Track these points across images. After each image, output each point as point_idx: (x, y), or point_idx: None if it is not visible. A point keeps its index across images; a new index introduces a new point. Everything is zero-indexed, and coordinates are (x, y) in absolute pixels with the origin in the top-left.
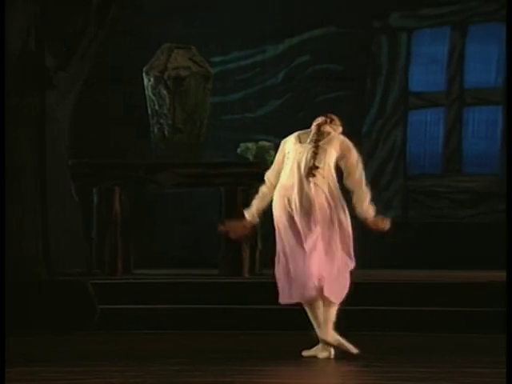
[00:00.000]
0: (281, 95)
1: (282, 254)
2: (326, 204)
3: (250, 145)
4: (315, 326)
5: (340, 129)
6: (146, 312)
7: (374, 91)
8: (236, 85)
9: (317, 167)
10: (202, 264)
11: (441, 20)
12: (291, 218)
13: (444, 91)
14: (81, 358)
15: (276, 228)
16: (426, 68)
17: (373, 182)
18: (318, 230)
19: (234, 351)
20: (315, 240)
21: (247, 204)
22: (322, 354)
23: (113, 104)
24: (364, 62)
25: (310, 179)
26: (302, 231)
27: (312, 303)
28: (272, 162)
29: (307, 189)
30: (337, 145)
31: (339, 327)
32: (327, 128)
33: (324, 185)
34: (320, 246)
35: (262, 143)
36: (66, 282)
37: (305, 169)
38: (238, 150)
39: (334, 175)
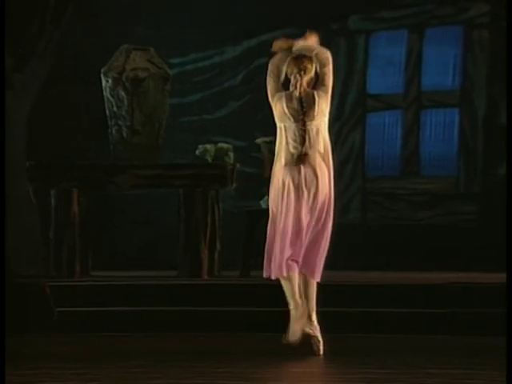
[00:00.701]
0: (239, 97)
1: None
2: None
3: (208, 146)
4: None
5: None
6: (104, 314)
7: (332, 93)
8: (194, 86)
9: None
10: (160, 266)
11: (398, 23)
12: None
13: (402, 94)
14: (38, 361)
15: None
16: (383, 70)
17: None
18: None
19: (193, 353)
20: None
21: (206, 205)
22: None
23: (71, 105)
24: None
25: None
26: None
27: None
28: (231, 164)
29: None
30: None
31: None
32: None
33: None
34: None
35: (220, 145)
36: (24, 284)
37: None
38: (197, 152)
39: None
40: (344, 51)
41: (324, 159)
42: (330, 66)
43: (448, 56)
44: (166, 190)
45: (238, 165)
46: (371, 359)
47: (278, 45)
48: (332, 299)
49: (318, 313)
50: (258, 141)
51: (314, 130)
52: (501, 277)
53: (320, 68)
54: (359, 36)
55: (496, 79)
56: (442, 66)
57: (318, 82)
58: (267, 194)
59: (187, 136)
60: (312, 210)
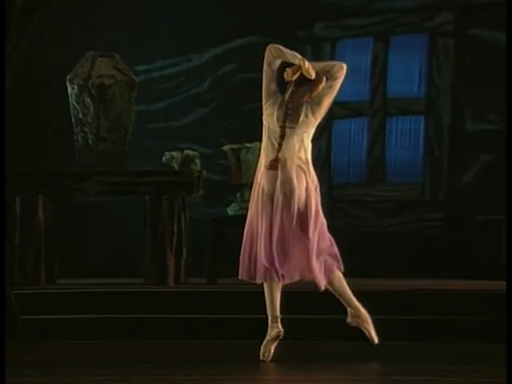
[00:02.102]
0: (206, 104)
1: None
2: None
3: (175, 153)
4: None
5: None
6: (69, 322)
7: None
8: (161, 93)
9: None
10: (127, 273)
11: (364, 30)
12: None
13: (367, 101)
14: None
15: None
16: (349, 78)
17: None
18: None
19: (159, 361)
20: None
21: (172, 212)
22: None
23: (36, 112)
24: None
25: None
26: None
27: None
28: (198, 171)
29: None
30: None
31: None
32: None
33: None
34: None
35: (187, 152)
36: None
37: None
38: (163, 159)
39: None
40: (310, 59)
41: (302, 167)
42: (338, 81)
43: (413, 64)
44: (133, 196)
45: (204, 172)
46: (339, 366)
47: (289, 75)
48: (296, 306)
49: (282, 320)
50: (225, 148)
51: (295, 137)
52: (467, 283)
53: (327, 81)
54: (325, 43)
55: (461, 87)
56: (407, 73)
57: (319, 93)
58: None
59: (154, 143)
60: (289, 216)
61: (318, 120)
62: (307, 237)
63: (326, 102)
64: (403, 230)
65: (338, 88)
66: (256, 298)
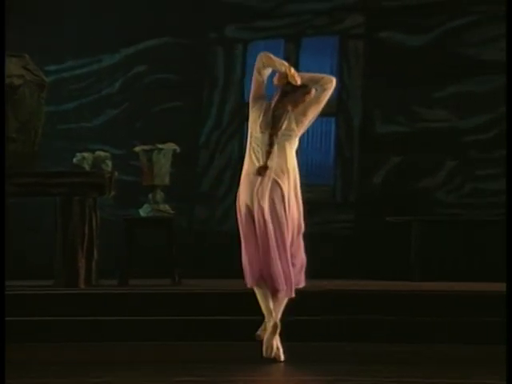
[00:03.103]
0: (117, 105)
1: None
2: None
3: (86, 155)
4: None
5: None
6: None
7: (211, 102)
8: (71, 94)
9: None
10: (37, 275)
11: (275, 32)
12: None
13: None
14: None
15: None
16: None
17: (210, 192)
18: None
19: (75, 362)
20: None
21: (83, 214)
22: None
23: None
24: (200, 73)
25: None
26: None
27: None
28: (109, 172)
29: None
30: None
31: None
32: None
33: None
34: None
35: (98, 153)
36: None
37: None
38: (74, 160)
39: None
40: (222, 60)
41: (281, 175)
42: (325, 94)
43: (324, 66)
44: (43, 198)
45: (116, 173)
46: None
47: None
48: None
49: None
50: (137, 149)
51: (281, 144)
52: (378, 284)
53: (317, 92)
54: (237, 45)
55: (371, 89)
56: None
57: (305, 104)
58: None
59: (65, 144)
60: (268, 222)
61: (302, 131)
62: (283, 243)
63: (311, 114)
64: (314, 232)
65: (324, 101)
66: (167, 299)
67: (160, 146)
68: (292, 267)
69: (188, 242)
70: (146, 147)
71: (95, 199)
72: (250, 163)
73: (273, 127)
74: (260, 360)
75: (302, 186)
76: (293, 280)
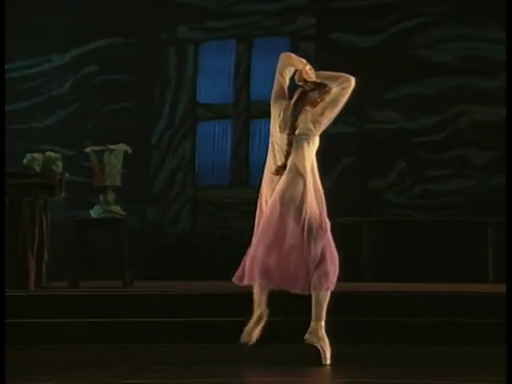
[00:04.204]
0: (68, 105)
1: None
2: None
3: (36, 155)
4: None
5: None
6: None
7: (163, 102)
8: (21, 94)
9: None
10: None
11: (226, 33)
12: None
13: (231, 103)
14: None
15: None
16: (213, 80)
17: (162, 193)
18: None
19: (23, 365)
20: None
21: (33, 215)
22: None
23: None
24: (152, 73)
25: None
26: None
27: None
28: (60, 173)
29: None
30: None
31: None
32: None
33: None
34: None
35: (48, 154)
36: None
37: None
38: (25, 161)
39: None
40: (174, 60)
41: (298, 175)
42: (344, 93)
43: (276, 66)
44: None
45: (66, 174)
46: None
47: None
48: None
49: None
50: (88, 150)
51: (294, 145)
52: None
53: (335, 92)
54: (189, 45)
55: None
56: (270, 76)
57: (323, 104)
58: None
59: (14, 144)
60: (296, 222)
61: (319, 131)
62: (298, 241)
63: (329, 114)
64: None
65: (343, 101)
66: (118, 301)
67: (111, 146)
68: (314, 264)
69: (140, 243)
70: (97, 148)
71: (46, 200)
72: (270, 161)
73: (291, 127)
74: (210, 361)
75: (255, 187)
76: (312, 277)
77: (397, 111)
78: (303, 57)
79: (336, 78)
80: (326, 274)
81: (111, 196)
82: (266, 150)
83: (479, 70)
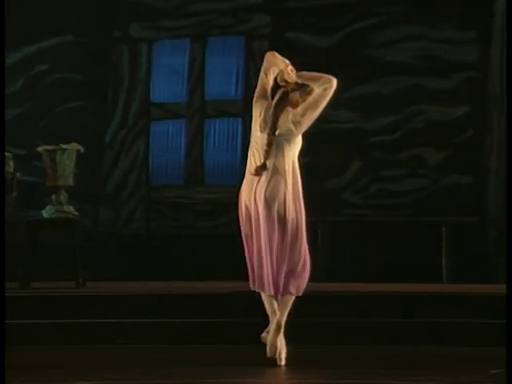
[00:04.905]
0: (19, 104)
1: None
2: None
3: None
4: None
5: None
6: None
7: (116, 101)
8: None
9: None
10: None
11: (180, 32)
12: None
13: (185, 103)
14: None
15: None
16: (167, 79)
17: (115, 193)
18: None
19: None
20: None
21: None
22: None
23: None
24: (105, 72)
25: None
26: None
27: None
28: (11, 173)
29: None
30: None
31: None
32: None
33: None
34: None
35: None
36: None
37: None
38: None
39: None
40: (127, 59)
41: (279, 175)
42: (325, 94)
43: (230, 66)
44: None
45: (18, 174)
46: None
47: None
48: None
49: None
50: (40, 149)
51: (280, 144)
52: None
53: (317, 93)
54: (142, 44)
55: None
56: (224, 75)
57: (305, 105)
58: None
59: None
60: (278, 223)
61: (301, 131)
62: (277, 244)
63: (310, 115)
64: (219, 233)
65: (324, 102)
66: (70, 301)
67: (64, 146)
68: (292, 268)
69: (92, 243)
70: (49, 147)
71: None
72: (250, 162)
73: (271, 127)
74: (163, 362)
75: (209, 187)
76: (288, 279)
77: (352, 111)
78: (259, 56)
79: (318, 79)
80: (301, 277)
81: (64, 196)
82: (220, 150)
83: (434, 70)
